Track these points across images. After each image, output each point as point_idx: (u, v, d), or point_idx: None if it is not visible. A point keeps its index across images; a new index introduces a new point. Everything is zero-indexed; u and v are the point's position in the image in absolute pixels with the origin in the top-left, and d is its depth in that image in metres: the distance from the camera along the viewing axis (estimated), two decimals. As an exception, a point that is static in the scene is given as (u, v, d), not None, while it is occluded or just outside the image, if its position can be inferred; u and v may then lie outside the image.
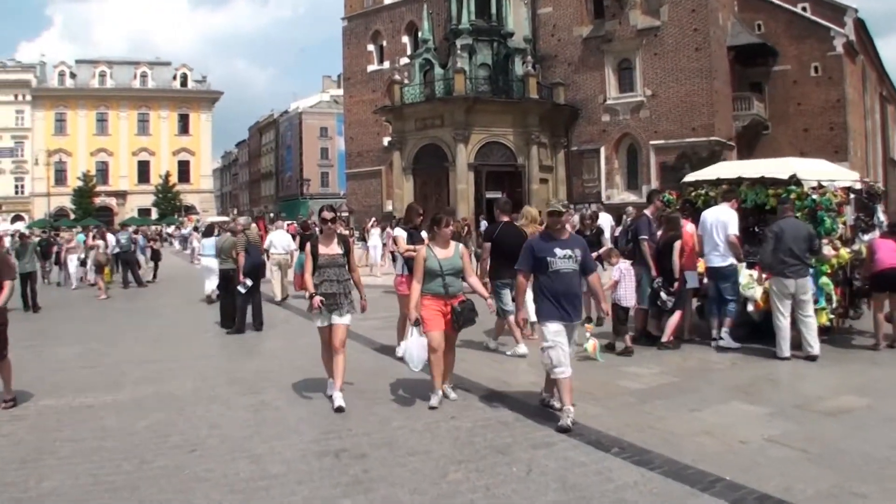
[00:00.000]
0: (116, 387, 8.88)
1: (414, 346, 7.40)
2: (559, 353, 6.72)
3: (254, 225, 18.77)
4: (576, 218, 25.51)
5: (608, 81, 38.31)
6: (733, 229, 10.19)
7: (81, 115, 74.07)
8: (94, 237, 23.69)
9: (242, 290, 12.89)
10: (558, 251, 6.91)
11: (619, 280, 10.33)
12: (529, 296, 8.79)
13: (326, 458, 5.97)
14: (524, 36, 39.04)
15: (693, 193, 12.08)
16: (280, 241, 17.85)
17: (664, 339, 10.35)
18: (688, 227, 10.72)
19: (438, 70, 37.50)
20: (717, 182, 11.65)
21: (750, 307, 10.32)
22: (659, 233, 10.75)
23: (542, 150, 36.74)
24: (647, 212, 11.08)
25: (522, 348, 10.01)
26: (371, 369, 9.51)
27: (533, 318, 9.14)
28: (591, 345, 9.64)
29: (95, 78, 75.43)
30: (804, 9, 40.54)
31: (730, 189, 11.22)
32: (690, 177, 13.04)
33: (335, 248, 7.79)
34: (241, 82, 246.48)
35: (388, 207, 42.41)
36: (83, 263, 23.72)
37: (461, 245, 8.10)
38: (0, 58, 75.05)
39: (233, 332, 12.87)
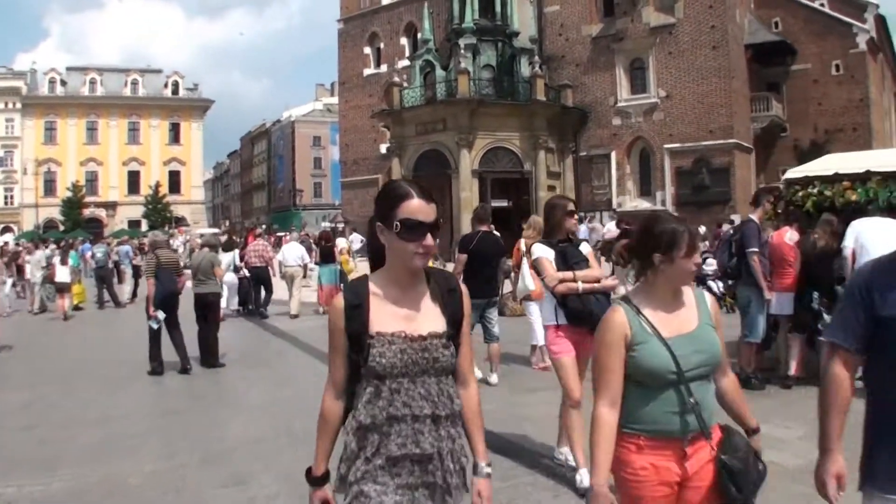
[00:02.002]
0: (52, 466, 6.63)
1: None
2: None
3: (179, 242, 16.95)
4: (611, 225, 23.67)
5: (619, 82, 36.28)
6: None
7: (71, 123, 72.20)
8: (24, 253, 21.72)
9: (154, 326, 10.66)
10: None
11: None
12: (537, 319, 8.74)
13: None
14: (530, 36, 37.04)
15: (800, 193, 9.72)
16: (292, 253, 17.32)
17: (793, 371, 8.36)
18: (787, 235, 8.63)
19: (440, 72, 35.46)
20: (835, 178, 9.36)
21: None
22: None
23: (549, 156, 34.68)
24: (755, 217, 8.68)
25: (494, 378, 9.08)
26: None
27: (542, 341, 8.68)
28: None
29: (86, 85, 73.67)
30: (822, 5, 38.70)
31: None
32: (794, 172, 10.58)
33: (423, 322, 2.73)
34: (236, 93, 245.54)
35: (387, 217, 40.13)
36: (15, 285, 21.67)
37: (704, 292, 3.19)
38: (-4, 68, 73.28)
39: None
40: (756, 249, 8.28)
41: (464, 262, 9.09)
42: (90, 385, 10.24)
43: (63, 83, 73.25)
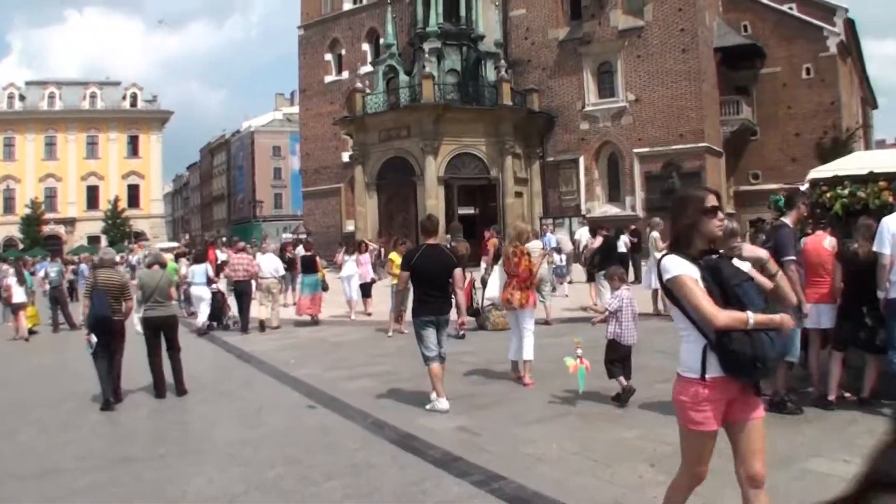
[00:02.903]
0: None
1: None
2: None
3: (137, 257, 15.65)
4: (583, 231, 22.68)
5: (587, 86, 35.40)
6: None
7: (30, 139, 70.29)
8: None
9: (89, 351, 9.34)
10: None
11: (619, 311, 7.83)
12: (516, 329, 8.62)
13: None
14: (495, 40, 36.21)
15: (828, 194, 8.52)
16: (268, 265, 16.45)
17: (831, 396, 7.23)
18: (826, 241, 7.52)
19: (403, 77, 34.43)
20: (870, 177, 8.13)
21: None
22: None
23: (516, 162, 33.76)
24: (788, 220, 7.44)
25: (443, 403, 7.75)
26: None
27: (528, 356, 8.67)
28: (573, 364, 7.62)
29: (45, 100, 71.94)
30: (791, 8, 38.22)
31: None
32: (819, 171, 9.38)
33: None
34: (195, 104, 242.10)
35: (349, 228, 39.12)
36: None
37: None
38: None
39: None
40: (793, 258, 7.03)
41: (405, 279, 8.21)
42: (32, 425, 8.53)
43: (22, 98, 71.33)
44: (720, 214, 3.78)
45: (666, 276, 3.68)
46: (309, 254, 17.68)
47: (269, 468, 6.22)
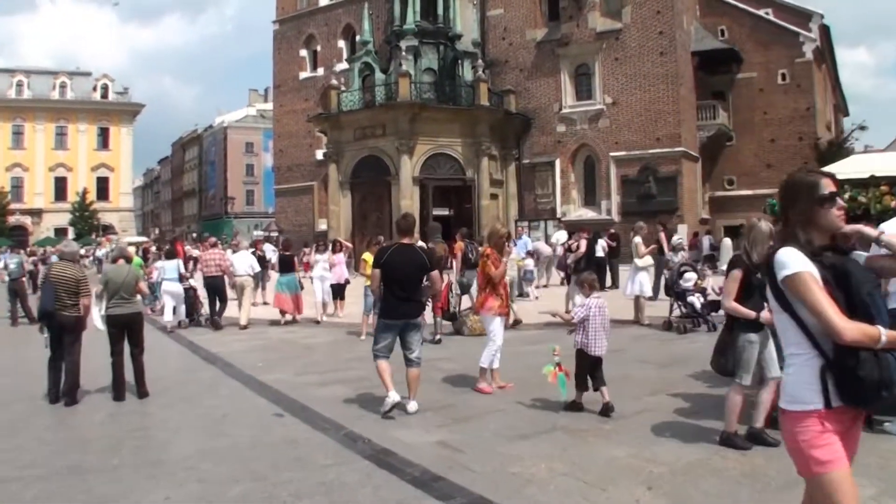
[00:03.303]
0: None
1: None
2: None
3: (104, 251, 15.24)
4: (560, 235, 22.43)
5: (564, 88, 35.17)
6: None
7: (-4, 127, 68.94)
8: None
9: (45, 347, 9.02)
10: None
11: (585, 320, 7.47)
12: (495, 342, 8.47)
13: None
14: (473, 39, 35.85)
15: None
16: (242, 263, 16.57)
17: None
18: None
19: (379, 75, 34.07)
20: (871, 181, 7.95)
21: None
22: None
23: (492, 163, 33.44)
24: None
25: (393, 396, 7.53)
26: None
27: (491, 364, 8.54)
28: (551, 372, 7.45)
29: (12, 88, 70.53)
30: (767, 13, 38.23)
31: None
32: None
33: None
34: (168, 99, 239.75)
35: (322, 226, 38.62)
36: None
37: None
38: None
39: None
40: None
41: (378, 277, 7.92)
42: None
43: (-11, 85, 69.99)
44: (839, 202, 3.07)
45: (783, 273, 2.93)
46: (287, 253, 17.49)
47: (232, 484, 5.76)
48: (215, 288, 16.32)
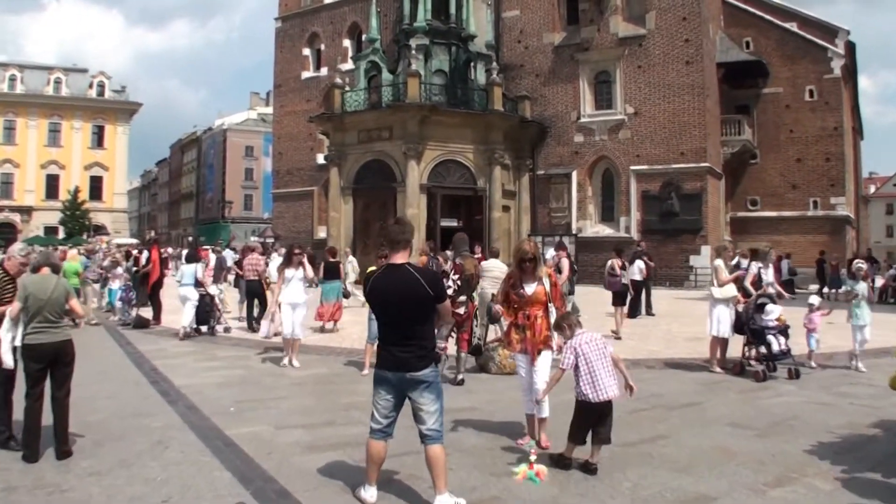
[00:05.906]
0: None
1: None
2: None
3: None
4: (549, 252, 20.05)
5: (583, 96, 33.25)
6: None
7: (-13, 121, 67.50)
8: None
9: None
10: None
11: (577, 364, 6.12)
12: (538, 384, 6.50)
13: None
14: (486, 41, 33.93)
15: None
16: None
17: None
18: None
19: (387, 75, 32.09)
20: None
21: None
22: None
23: (504, 173, 31.46)
24: None
25: (369, 493, 5.34)
26: None
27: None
28: (522, 472, 5.96)
29: (5, 82, 69.12)
30: (791, 27, 36.36)
31: None
32: None
33: None
34: (174, 103, 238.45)
35: (321, 234, 36.57)
36: None
37: None
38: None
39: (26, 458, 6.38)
40: None
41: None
42: None
43: (-19, 78, 68.39)
44: None
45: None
46: (334, 260, 17.21)
47: None
48: (254, 291, 16.60)
